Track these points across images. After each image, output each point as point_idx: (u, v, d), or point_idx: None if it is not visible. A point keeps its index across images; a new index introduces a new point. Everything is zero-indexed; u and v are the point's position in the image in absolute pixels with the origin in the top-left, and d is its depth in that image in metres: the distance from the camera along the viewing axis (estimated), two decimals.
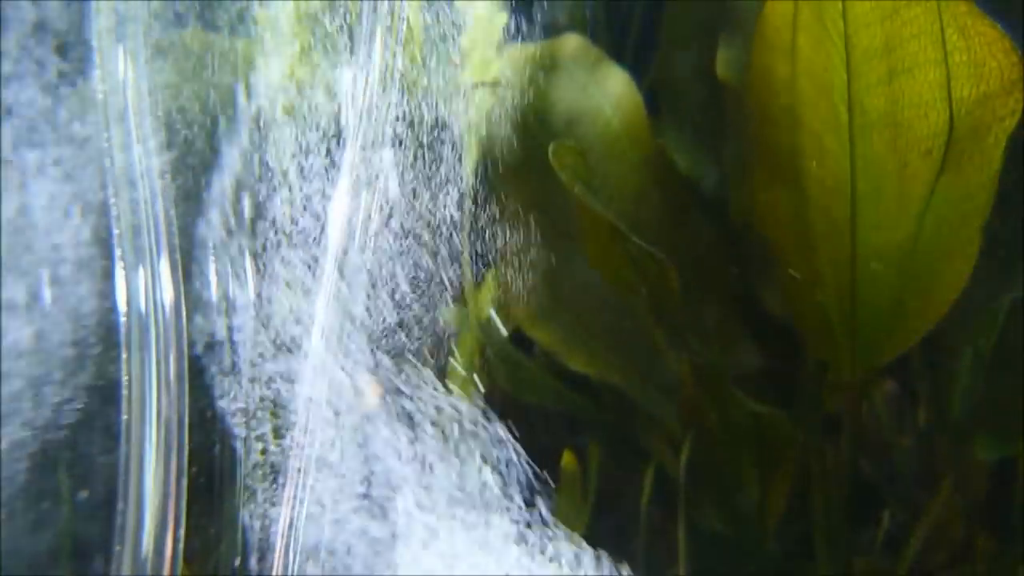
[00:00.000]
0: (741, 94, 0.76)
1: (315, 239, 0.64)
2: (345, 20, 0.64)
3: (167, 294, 0.45)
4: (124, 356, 0.44)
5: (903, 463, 0.86)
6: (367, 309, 0.62)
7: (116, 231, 0.46)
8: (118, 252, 0.45)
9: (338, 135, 0.66)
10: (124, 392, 0.44)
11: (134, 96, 0.47)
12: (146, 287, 0.45)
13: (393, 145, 0.72)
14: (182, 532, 0.42)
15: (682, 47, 0.88)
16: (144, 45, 0.46)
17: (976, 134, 0.64)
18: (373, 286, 0.66)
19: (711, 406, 0.71)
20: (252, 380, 0.52)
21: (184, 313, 0.46)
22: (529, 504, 0.58)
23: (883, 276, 0.69)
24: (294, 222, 0.63)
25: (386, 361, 0.59)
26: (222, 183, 0.59)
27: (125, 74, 0.46)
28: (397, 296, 0.69)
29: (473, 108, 0.86)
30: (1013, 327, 0.78)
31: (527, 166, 0.88)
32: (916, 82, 0.63)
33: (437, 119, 0.84)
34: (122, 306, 0.44)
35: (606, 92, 0.84)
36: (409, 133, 0.84)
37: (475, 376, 0.72)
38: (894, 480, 0.85)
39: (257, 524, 0.47)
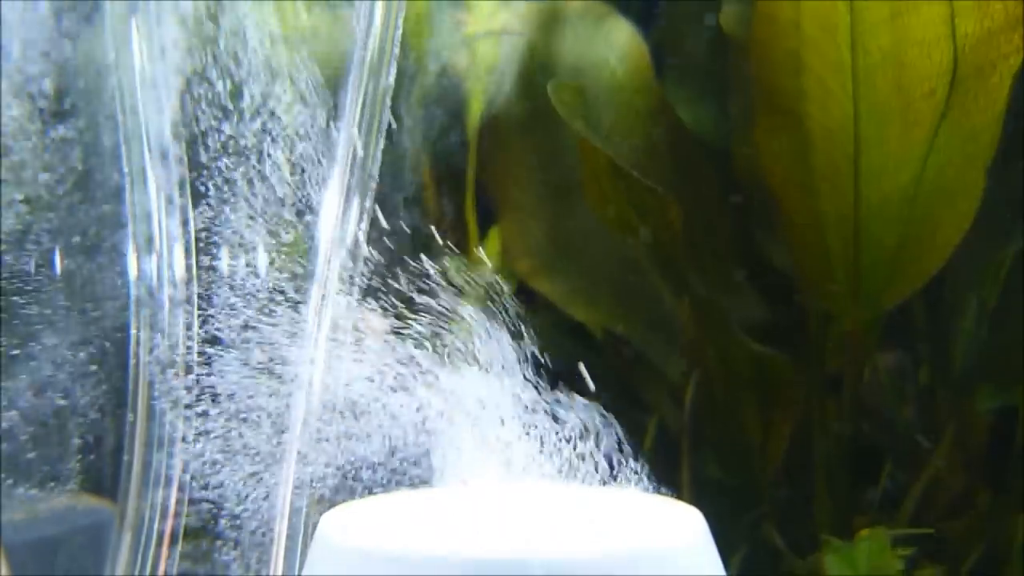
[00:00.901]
0: (746, 47, 0.76)
1: (317, 184, 0.64)
2: None
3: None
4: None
5: (903, 419, 0.86)
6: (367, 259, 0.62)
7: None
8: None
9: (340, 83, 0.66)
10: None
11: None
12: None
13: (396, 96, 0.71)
14: None
15: (687, 0, 0.88)
16: None
17: (980, 72, 0.64)
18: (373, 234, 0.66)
19: (713, 347, 0.70)
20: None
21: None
22: None
23: (886, 220, 0.69)
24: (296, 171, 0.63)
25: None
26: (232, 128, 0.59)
27: None
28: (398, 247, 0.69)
29: (478, 60, 0.86)
30: (1016, 279, 0.78)
31: (532, 118, 0.88)
32: (920, 19, 0.63)
33: (443, 69, 0.84)
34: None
35: (611, 44, 0.84)
36: (412, 84, 0.84)
37: None
38: (894, 436, 0.85)
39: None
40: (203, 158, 0.47)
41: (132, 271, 0.42)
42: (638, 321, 0.79)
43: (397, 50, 0.63)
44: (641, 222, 0.71)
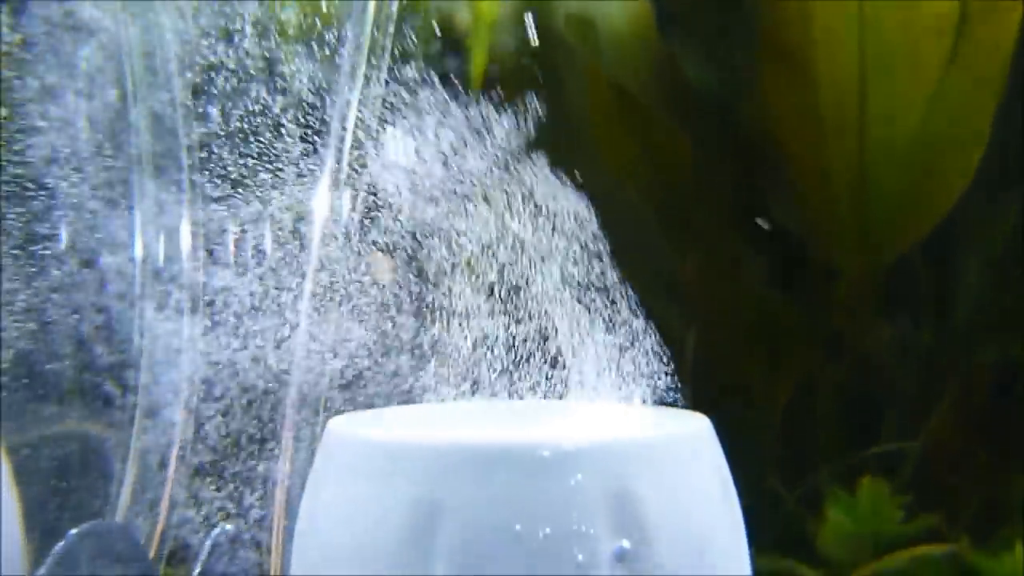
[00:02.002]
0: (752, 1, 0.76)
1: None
2: None
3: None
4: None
5: (905, 376, 0.85)
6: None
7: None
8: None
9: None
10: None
11: None
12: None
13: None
14: None
15: None
16: None
17: (988, 17, 0.63)
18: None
19: (716, 295, 0.70)
20: None
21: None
22: None
23: (892, 166, 0.69)
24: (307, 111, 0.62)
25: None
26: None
27: None
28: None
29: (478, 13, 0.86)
30: (1019, 232, 0.78)
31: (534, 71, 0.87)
32: None
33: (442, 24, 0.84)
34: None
35: None
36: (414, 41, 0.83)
37: None
38: (896, 392, 0.85)
39: None
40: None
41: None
42: (641, 276, 0.78)
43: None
44: (648, 161, 0.70)
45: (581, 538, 0.27)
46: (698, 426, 0.31)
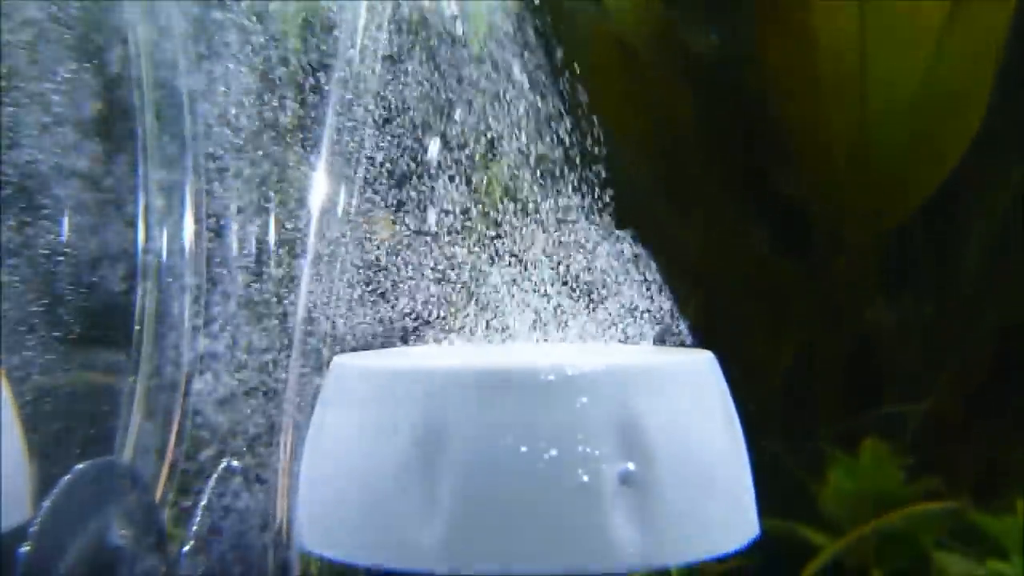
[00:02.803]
0: None
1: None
2: None
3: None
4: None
5: (906, 345, 0.86)
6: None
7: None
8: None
9: None
10: None
11: None
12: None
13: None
14: None
15: None
16: None
17: None
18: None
19: (720, 257, 0.70)
20: None
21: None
22: None
23: (894, 129, 0.68)
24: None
25: None
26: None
27: None
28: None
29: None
30: (1020, 199, 0.77)
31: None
32: None
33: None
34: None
35: None
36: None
37: None
38: (897, 361, 0.85)
39: None
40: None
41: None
42: (641, 234, 0.78)
43: None
44: (649, 124, 0.70)
45: (586, 460, 0.27)
46: (702, 358, 0.31)
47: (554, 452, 0.27)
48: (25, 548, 0.30)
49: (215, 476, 0.33)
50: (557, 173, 0.43)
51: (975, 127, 0.68)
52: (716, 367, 0.32)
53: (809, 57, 0.72)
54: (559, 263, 0.39)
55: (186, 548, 0.32)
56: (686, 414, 0.29)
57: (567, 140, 0.44)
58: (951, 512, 0.64)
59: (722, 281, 0.74)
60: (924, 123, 0.69)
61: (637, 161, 0.72)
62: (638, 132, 0.71)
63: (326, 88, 0.44)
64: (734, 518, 0.30)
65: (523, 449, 0.27)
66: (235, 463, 0.34)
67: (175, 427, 0.40)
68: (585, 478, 0.27)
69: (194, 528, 0.32)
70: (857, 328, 0.79)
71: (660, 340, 0.38)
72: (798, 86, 0.73)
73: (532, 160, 0.43)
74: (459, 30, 0.43)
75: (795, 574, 0.66)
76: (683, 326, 0.38)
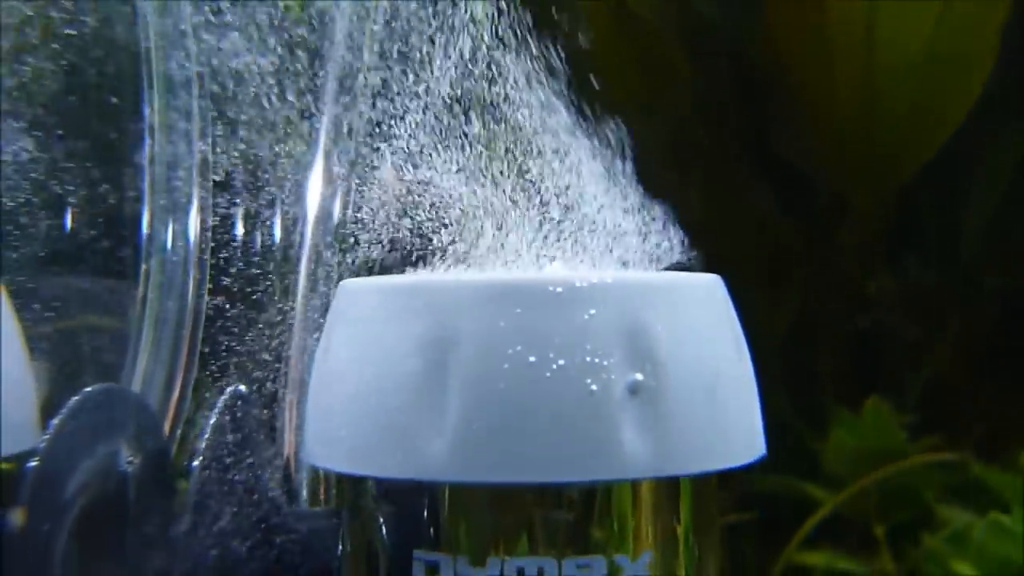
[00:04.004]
0: None
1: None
2: None
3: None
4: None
5: (910, 307, 0.86)
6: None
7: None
8: None
9: None
10: None
11: None
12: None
13: None
14: None
15: None
16: None
17: None
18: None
19: (720, 217, 0.70)
20: None
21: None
22: None
23: (900, 87, 0.68)
24: None
25: None
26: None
27: None
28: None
29: None
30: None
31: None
32: None
33: None
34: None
35: None
36: None
37: None
38: (900, 323, 0.85)
39: None
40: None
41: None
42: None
43: None
44: (649, 83, 0.70)
45: (595, 370, 0.27)
46: (712, 278, 0.31)
47: (562, 362, 0.27)
48: (34, 463, 0.30)
49: (223, 399, 0.33)
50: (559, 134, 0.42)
51: (980, 87, 0.68)
52: (724, 291, 0.32)
53: (816, 16, 0.71)
54: (565, 206, 0.39)
55: (195, 462, 0.32)
56: (695, 328, 0.29)
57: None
58: (953, 465, 0.65)
59: (723, 242, 0.74)
60: (930, 82, 0.68)
61: (635, 121, 0.72)
62: (636, 91, 0.70)
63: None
64: (742, 434, 0.30)
65: (531, 359, 0.27)
66: (242, 387, 0.34)
67: (183, 362, 0.41)
68: (594, 387, 0.27)
69: (203, 444, 0.32)
70: (859, 291, 0.79)
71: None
72: (804, 45, 0.72)
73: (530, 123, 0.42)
74: None
75: (795, 529, 0.66)
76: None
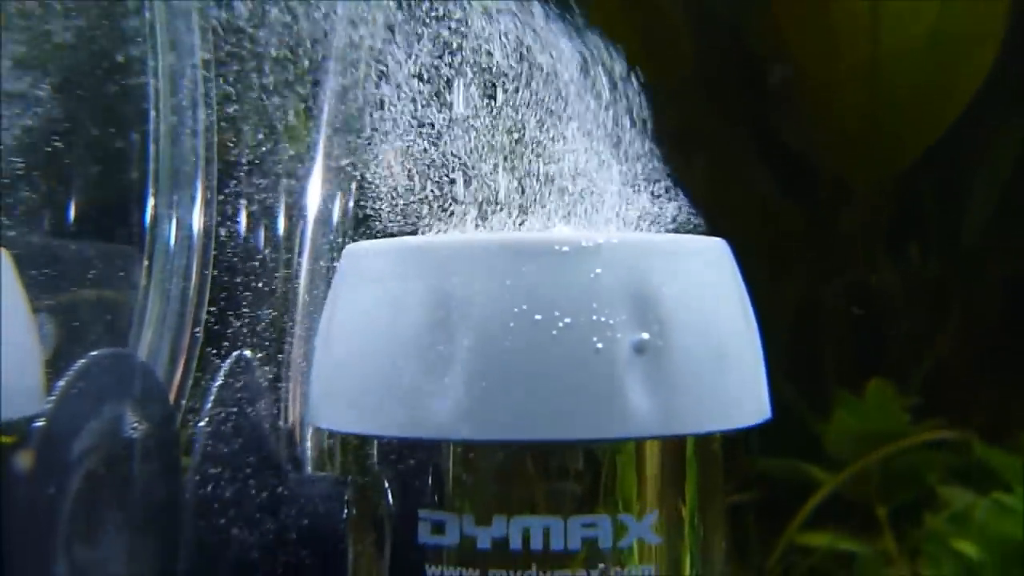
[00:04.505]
0: None
1: None
2: None
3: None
4: None
5: (912, 295, 0.85)
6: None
7: None
8: None
9: None
10: None
11: None
12: None
13: None
14: None
15: None
16: None
17: None
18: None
19: (722, 196, 0.70)
20: None
21: None
22: None
23: (904, 68, 0.68)
24: None
25: None
26: None
27: None
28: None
29: None
30: None
31: None
32: None
33: None
34: None
35: None
36: None
37: None
38: (903, 311, 0.85)
39: None
40: None
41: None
42: None
43: None
44: (651, 59, 0.69)
45: (601, 329, 0.27)
46: (717, 242, 0.31)
47: (568, 320, 0.27)
48: (40, 424, 0.30)
49: (228, 363, 0.33)
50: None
51: (984, 72, 0.68)
52: (730, 254, 0.32)
53: (820, 1, 0.71)
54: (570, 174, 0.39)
55: (201, 423, 0.32)
56: (701, 289, 0.29)
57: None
58: (955, 446, 0.65)
59: (725, 226, 0.74)
60: (934, 66, 0.68)
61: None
62: (636, 67, 0.70)
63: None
64: (747, 396, 0.30)
65: (537, 317, 0.27)
66: (247, 353, 0.34)
67: (188, 329, 0.41)
68: (600, 346, 0.27)
69: (208, 406, 0.32)
70: (862, 276, 0.79)
71: None
72: (807, 30, 0.72)
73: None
74: None
75: (798, 511, 0.66)
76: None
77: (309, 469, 0.36)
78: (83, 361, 0.32)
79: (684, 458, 0.30)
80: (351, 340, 0.30)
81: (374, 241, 0.32)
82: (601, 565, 0.28)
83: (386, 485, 0.31)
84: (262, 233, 0.41)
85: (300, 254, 0.40)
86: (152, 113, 0.41)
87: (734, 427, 0.29)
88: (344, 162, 0.42)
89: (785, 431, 0.75)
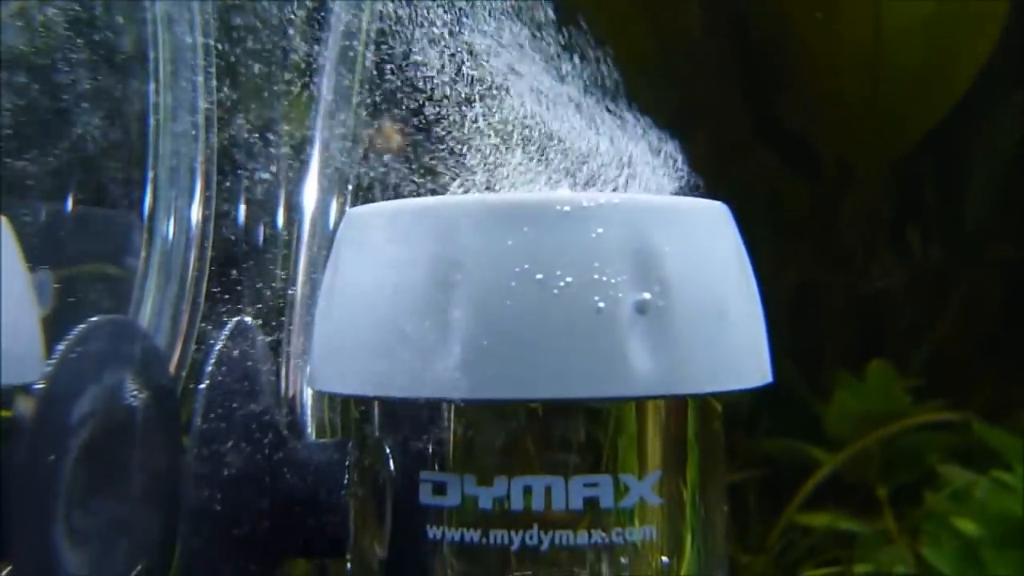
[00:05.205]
0: None
1: None
2: None
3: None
4: None
5: (914, 278, 0.85)
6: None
7: None
8: None
9: None
10: None
11: None
12: None
13: None
14: None
15: None
16: None
17: None
18: None
19: (727, 176, 0.70)
20: None
21: None
22: None
23: (907, 48, 0.68)
24: None
25: None
26: None
27: None
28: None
29: None
30: None
31: None
32: None
33: None
34: None
35: None
36: None
37: None
38: (904, 293, 0.85)
39: None
40: None
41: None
42: None
43: None
44: (653, 33, 0.69)
45: (602, 288, 0.27)
46: (718, 205, 0.31)
47: (570, 279, 0.27)
48: (40, 386, 0.30)
49: (229, 328, 0.33)
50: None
51: (986, 53, 0.67)
52: (731, 217, 0.32)
53: None
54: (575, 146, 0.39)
55: (202, 385, 0.32)
56: (703, 250, 0.29)
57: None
58: (955, 426, 0.65)
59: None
60: (938, 43, 0.68)
61: (638, 75, 0.71)
62: (639, 44, 0.70)
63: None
64: (748, 358, 0.30)
65: (538, 276, 0.27)
66: (248, 319, 0.34)
67: (188, 305, 0.41)
68: (601, 304, 0.27)
69: (209, 368, 0.32)
70: (863, 259, 0.79)
71: None
72: (810, 9, 0.72)
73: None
74: None
75: (798, 491, 0.66)
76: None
77: (312, 436, 0.36)
78: (83, 326, 0.32)
79: (686, 419, 0.29)
80: (353, 303, 0.29)
81: (374, 204, 0.32)
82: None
83: (387, 449, 0.30)
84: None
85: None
86: (152, 85, 0.41)
87: (735, 388, 0.29)
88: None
89: (786, 412, 0.75)
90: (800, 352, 0.77)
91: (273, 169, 0.41)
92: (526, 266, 0.27)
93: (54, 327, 0.37)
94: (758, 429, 0.71)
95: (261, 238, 0.42)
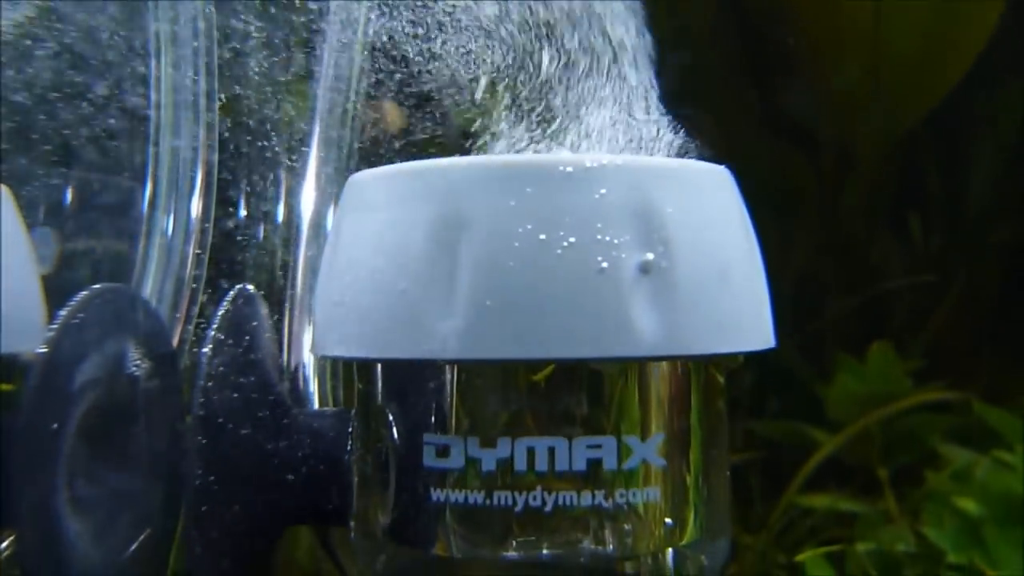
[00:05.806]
0: None
1: None
2: None
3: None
4: None
5: (915, 264, 0.85)
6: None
7: None
8: None
9: None
10: None
11: None
12: None
13: None
14: None
15: None
16: None
17: None
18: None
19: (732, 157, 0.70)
20: None
21: None
22: None
23: (908, 28, 0.68)
24: None
25: None
26: None
27: None
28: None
29: None
30: None
31: None
32: None
33: None
34: None
35: None
36: None
37: None
38: (900, 287, 0.85)
39: None
40: None
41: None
42: None
43: None
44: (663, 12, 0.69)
45: (605, 248, 0.27)
46: (720, 169, 0.31)
47: (573, 240, 0.27)
48: (42, 349, 0.30)
49: (232, 294, 0.33)
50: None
51: (988, 32, 0.67)
52: (733, 182, 0.32)
53: None
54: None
55: (205, 349, 0.32)
56: (706, 212, 0.29)
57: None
58: (955, 407, 0.64)
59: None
60: (939, 24, 0.68)
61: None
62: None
63: None
64: (751, 320, 0.30)
65: (541, 237, 0.27)
66: (250, 287, 0.34)
67: (190, 276, 0.40)
68: (604, 265, 0.27)
69: (212, 332, 0.32)
70: (864, 241, 0.79)
71: None
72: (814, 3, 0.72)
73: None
74: None
75: (799, 473, 0.66)
76: None
77: (315, 405, 0.36)
78: (85, 293, 0.32)
79: (689, 381, 0.30)
80: (356, 266, 0.29)
81: (376, 168, 0.31)
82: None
83: (390, 415, 0.30)
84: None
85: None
86: (153, 62, 0.41)
87: (738, 350, 0.29)
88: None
89: (787, 394, 0.75)
90: (802, 336, 0.77)
91: (274, 142, 0.41)
92: (529, 226, 0.27)
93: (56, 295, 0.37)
94: (763, 412, 0.71)
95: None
